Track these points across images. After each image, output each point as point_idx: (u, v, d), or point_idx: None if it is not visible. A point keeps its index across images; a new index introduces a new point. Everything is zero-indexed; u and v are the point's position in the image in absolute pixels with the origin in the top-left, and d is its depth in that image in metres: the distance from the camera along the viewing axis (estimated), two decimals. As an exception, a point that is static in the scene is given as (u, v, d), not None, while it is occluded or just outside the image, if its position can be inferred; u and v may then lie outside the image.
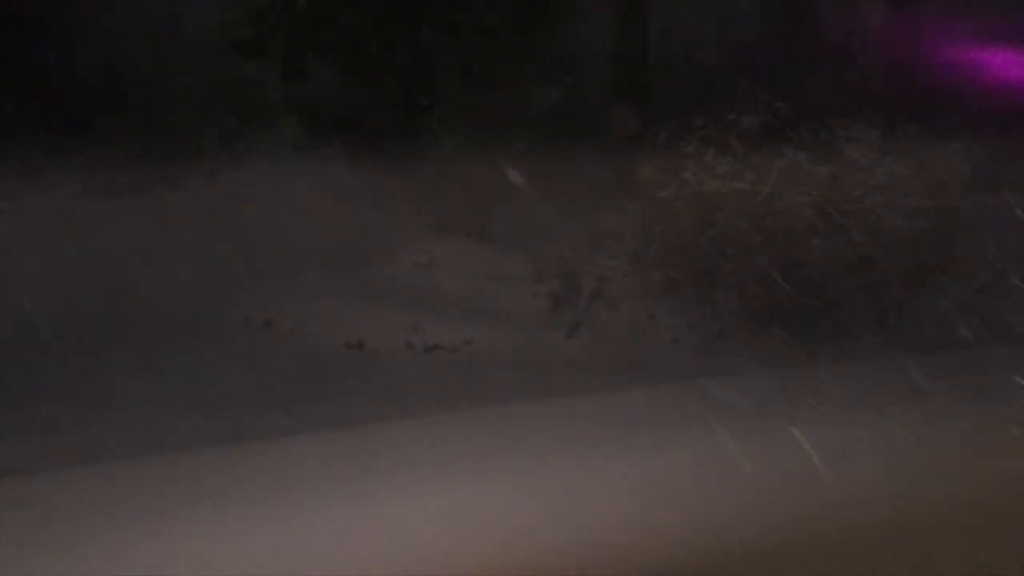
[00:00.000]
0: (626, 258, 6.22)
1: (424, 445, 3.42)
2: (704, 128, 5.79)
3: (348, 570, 2.63)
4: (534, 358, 5.26)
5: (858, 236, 5.59)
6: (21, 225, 6.61)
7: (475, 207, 7.15)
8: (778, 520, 3.04)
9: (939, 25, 8.71)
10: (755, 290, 5.60)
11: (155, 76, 7.91)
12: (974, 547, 3.01)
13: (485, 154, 7.00)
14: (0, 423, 3.99)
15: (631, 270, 6.12)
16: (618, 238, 6.42)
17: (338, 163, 7.66)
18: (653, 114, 7.28)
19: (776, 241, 5.62)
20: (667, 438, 3.53)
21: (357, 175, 7.58)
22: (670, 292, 5.91)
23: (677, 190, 5.84)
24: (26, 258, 6.17)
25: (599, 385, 4.68)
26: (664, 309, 5.85)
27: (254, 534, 2.74)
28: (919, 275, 5.80)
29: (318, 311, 5.66)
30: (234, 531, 2.75)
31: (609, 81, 8.29)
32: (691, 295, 5.85)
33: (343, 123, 7.95)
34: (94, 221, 6.80)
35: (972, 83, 8.53)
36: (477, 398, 4.45)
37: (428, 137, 7.51)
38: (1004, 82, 8.56)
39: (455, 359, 5.29)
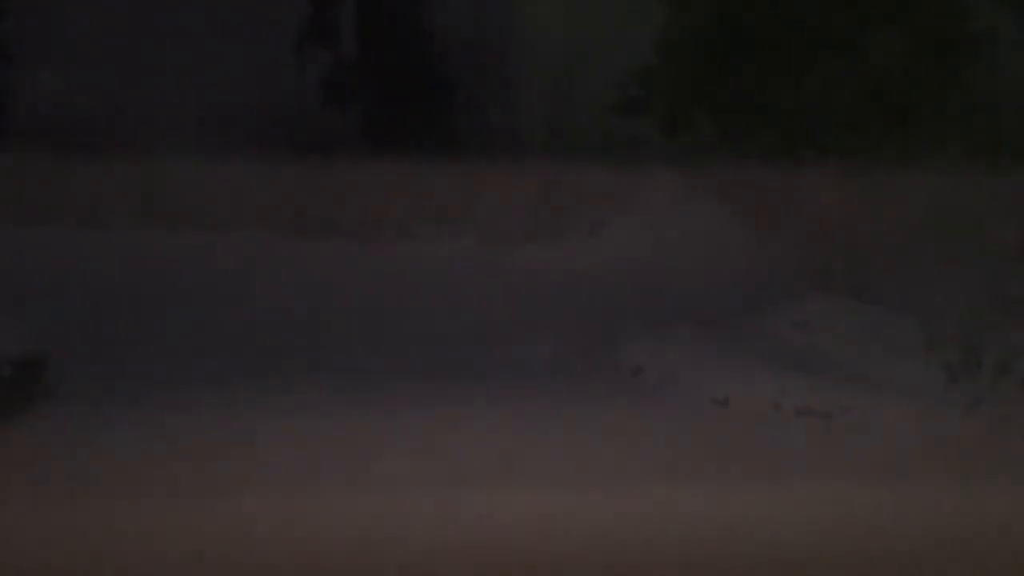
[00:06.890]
0: (1043, 329, 5.40)
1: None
2: None
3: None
4: (924, 435, 4.70)
5: None
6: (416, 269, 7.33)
7: (860, 264, 6.65)
8: None
9: None
10: None
11: (548, 130, 8.54)
12: None
13: (875, 207, 6.51)
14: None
15: (1049, 344, 5.29)
16: (1034, 306, 5.59)
17: (719, 217, 7.61)
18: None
19: None
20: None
21: (738, 229, 7.47)
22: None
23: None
24: (414, 299, 6.81)
25: (1007, 473, 4.05)
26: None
27: None
28: None
29: (688, 362, 5.59)
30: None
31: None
32: None
33: (724, 177, 7.88)
34: (486, 267, 7.38)
35: None
36: (848, 471, 4.06)
37: (811, 191, 7.17)
38: None
39: (827, 426, 4.90)
